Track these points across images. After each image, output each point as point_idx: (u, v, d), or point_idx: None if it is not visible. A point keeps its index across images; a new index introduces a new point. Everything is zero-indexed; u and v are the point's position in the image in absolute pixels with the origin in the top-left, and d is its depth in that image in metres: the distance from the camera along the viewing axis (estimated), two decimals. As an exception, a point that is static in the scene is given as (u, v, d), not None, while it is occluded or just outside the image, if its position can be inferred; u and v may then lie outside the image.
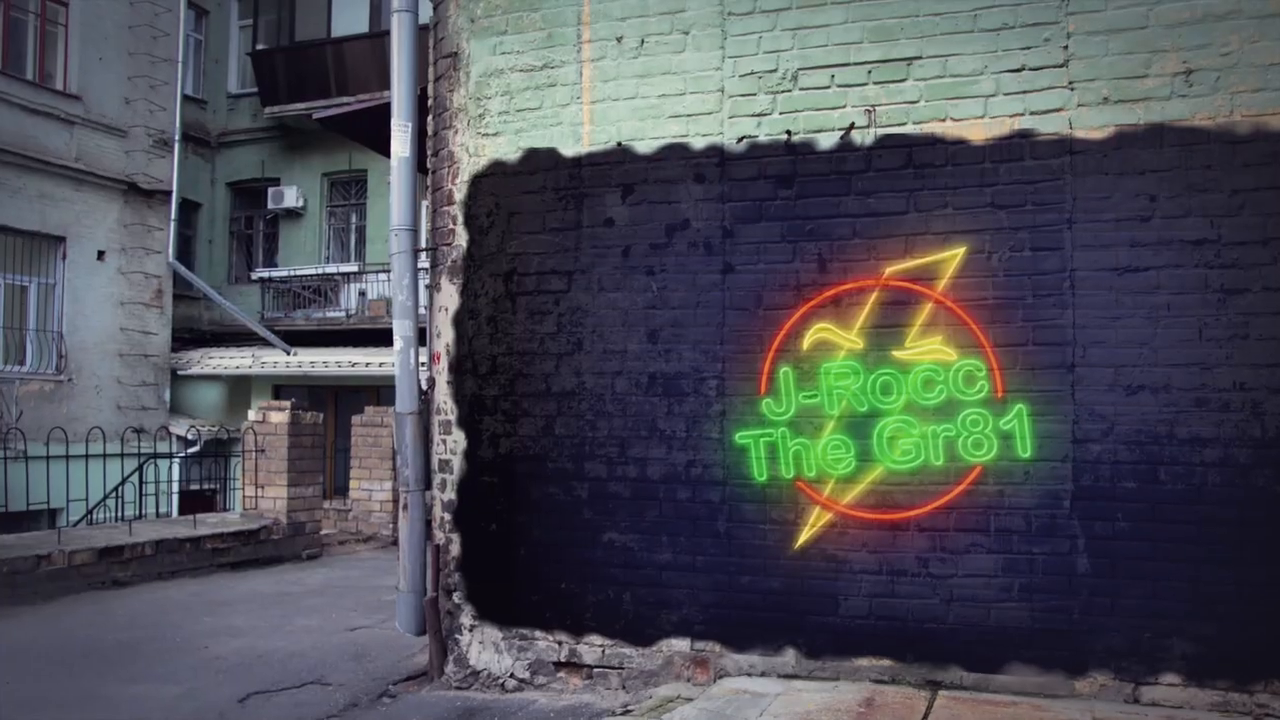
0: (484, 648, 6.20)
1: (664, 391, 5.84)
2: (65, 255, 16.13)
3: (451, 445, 6.29)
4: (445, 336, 6.34)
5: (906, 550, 5.41)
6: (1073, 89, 5.18)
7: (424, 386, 6.64)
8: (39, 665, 6.85)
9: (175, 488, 15.62)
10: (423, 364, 6.70)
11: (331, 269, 19.09)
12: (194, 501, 15.61)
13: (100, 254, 16.62)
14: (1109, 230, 5.12)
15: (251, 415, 12.33)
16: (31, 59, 15.98)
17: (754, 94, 5.69)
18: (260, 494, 11.92)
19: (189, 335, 19.47)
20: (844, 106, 5.54)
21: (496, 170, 6.20)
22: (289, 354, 18.08)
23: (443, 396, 6.35)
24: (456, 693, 6.13)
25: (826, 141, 5.57)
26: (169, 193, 17.71)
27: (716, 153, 5.76)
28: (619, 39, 5.96)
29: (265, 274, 19.48)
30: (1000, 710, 4.91)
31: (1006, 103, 5.28)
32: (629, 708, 5.56)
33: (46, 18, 16.11)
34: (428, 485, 6.53)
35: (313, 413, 12.52)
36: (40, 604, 8.80)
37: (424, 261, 6.70)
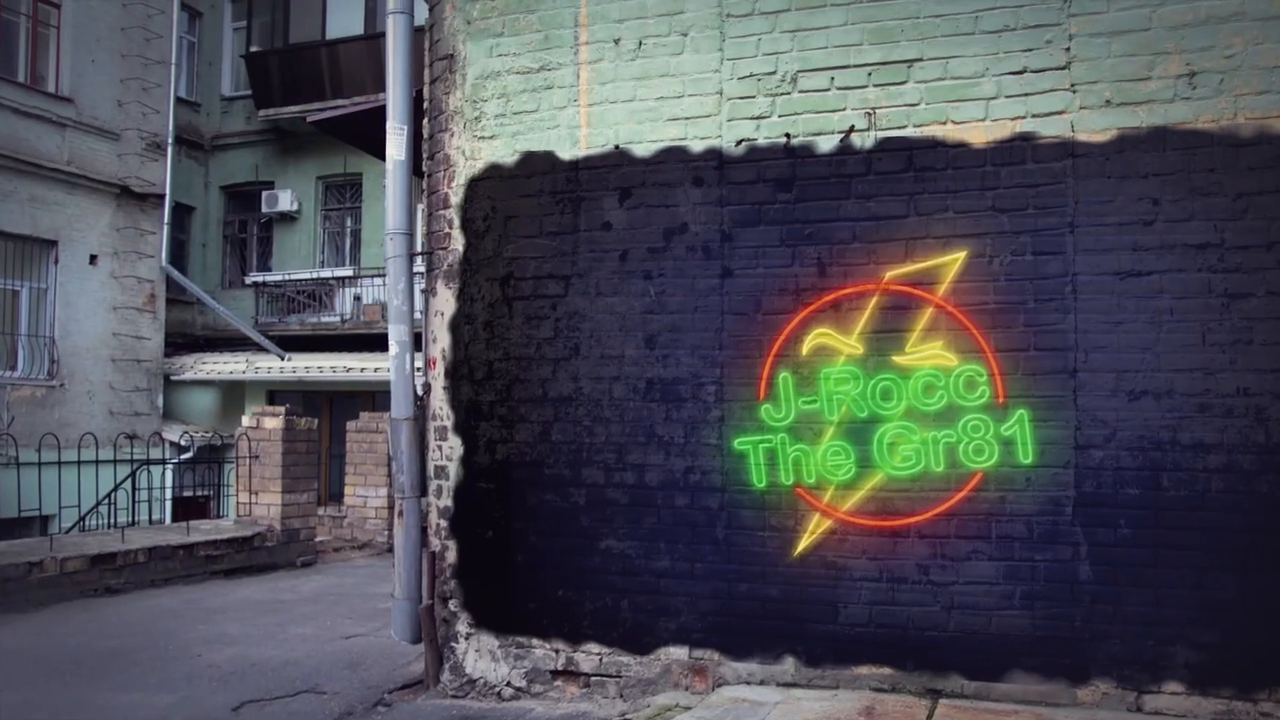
0: (480, 656, 6.14)
1: (662, 397, 5.78)
2: (57, 259, 16.05)
3: (447, 451, 6.23)
4: (441, 341, 6.29)
5: (907, 557, 5.35)
6: (1075, 91, 5.14)
7: (420, 392, 6.58)
8: (30, 673, 6.78)
9: (168, 494, 15.52)
10: (418, 369, 6.64)
11: (326, 273, 19.02)
12: (187, 508, 15.53)
13: (92, 258, 16.54)
14: (1111, 234, 5.07)
15: (245, 421, 12.26)
16: (23, 61, 15.91)
17: (753, 96, 5.65)
18: (254, 500, 11.84)
19: (182, 340, 19.39)
20: (844, 109, 5.49)
21: (493, 173, 6.15)
22: (283, 359, 18.01)
23: (439, 402, 6.29)
24: (452, 701, 6.07)
25: (826, 144, 5.52)
26: (162, 196, 17.64)
27: (715, 156, 5.71)
28: (616, 41, 5.91)
29: (259, 278, 19.41)
30: (1001, 719, 4.87)
31: (1008, 105, 5.24)
32: (626, 716, 5.51)
33: (38, 19, 16.04)
34: (423, 492, 6.47)
35: (307, 418, 12.44)
36: (32, 611, 8.72)
37: (420, 266, 6.64)
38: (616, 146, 5.90)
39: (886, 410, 5.42)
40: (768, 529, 5.58)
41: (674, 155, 5.79)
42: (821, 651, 5.46)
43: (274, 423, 11.86)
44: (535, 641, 6.01)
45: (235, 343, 19.09)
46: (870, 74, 5.45)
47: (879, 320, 5.42)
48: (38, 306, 15.95)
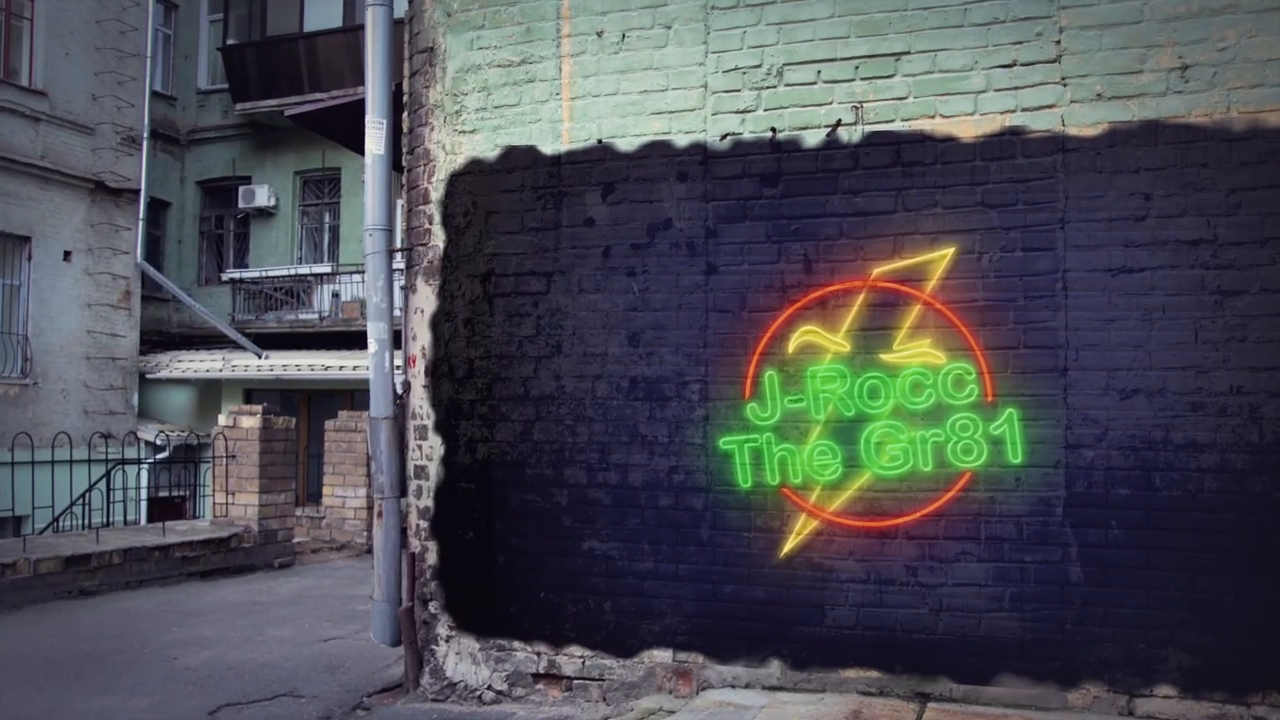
0: (461, 659, 6.03)
1: (646, 396, 5.69)
2: (30, 256, 15.84)
3: (428, 451, 6.12)
4: (421, 339, 6.17)
5: (895, 559, 5.28)
6: (1065, 85, 5.06)
7: (399, 390, 6.47)
8: (2, 677, 6.66)
9: (144, 494, 15.35)
10: (398, 367, 6.53)
11: (304, 270, 18.83)
12: (163, 508, 15.36)
13: (66, 254, 16.33)
14: (1102, 230, 5.00)
15: (222, 420, 12.12)
16: (-4, 54, 15.70)
17: (738, 90, 5.55)
18: (231, 501, 11.70)
19: (158, 338, 19.19)
20: (830, 103, 5.41)
21: (474, 169, 6.04)
22: (260, 357, 17.83)
23: (419, 401, 6.18)
24: (432, 705, 5.97)
25: (812, 139, 5.43)
26: (137, 191, 17.44)
27: (699, 150, 5.61)
28: (599, 34, 5.81)
29: (236, 275, 19.21)
30: (993, 723, 4.81)
31: (997, 99, 5.15)
32: (611, 721, 5.43)
33: (12, 11, 15.82)
34: (403, 492, 6.37)
35: (285, 417, 12.30)
36: (4, 614, 8.61)
37: (399, 262, 6.53)
38: (599, 141, 5.79)
39: (874, 409, 5.34)
40: (753, 530, 5.49)
41: (658, 150, 5.69)
42: (808, 654, 5.38)
43: (251, 422, 11.73)
44: (517, 644, 5.91)
45: (212, 341, 18.89)
46: (857, 67, 5.37)
47: (866, 318, 5.34)
48: (11, 303, 15.74)
